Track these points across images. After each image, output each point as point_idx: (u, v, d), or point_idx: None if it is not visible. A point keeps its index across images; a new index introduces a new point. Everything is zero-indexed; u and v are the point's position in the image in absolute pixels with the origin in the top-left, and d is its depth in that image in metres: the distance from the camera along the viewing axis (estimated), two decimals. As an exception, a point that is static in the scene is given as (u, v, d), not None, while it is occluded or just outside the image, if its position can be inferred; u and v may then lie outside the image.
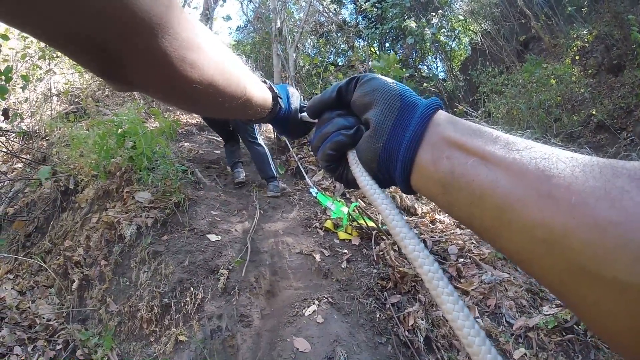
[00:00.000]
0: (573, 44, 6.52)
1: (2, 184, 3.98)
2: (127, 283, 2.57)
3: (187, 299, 2.33)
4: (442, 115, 0.40)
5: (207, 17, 7.58)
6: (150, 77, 0.39)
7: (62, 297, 2.83)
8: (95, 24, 0.31)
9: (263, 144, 3.57)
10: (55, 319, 2.72)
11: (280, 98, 0.64)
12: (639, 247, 0.23)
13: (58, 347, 2.55)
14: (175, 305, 2.34)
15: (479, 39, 8.45)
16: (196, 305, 2.30)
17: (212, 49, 0.44)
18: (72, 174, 3.35)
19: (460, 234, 2.97)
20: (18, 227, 3.43)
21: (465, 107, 7.03)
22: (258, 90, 0.57)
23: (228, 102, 0.49)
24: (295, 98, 0.67)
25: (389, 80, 0.44)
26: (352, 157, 0.46)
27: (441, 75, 10.25)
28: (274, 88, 0.63)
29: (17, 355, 2.48)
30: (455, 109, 7.23)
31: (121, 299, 2.52)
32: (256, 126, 3.55)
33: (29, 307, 2.82)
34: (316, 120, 0.54)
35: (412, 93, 0.43)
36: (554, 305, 2.31)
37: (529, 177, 0.29)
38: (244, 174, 3.65)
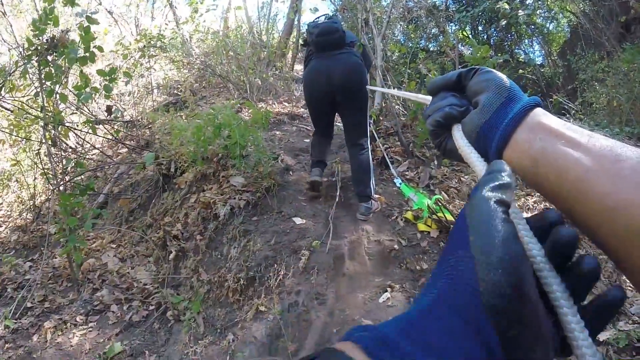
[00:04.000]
0: (678, 25, 6.04)
1: (109, 166, 4.76)
2: (219, 256, 3.09)
3: (270, 274, 2.77)
4: (540, 110, 0.49)
5: (295, 9, 7.98)
6: None
7: (159, 266, 3.40)
8: None
9: (369, 149, 3.34)
10: (150, 284, 3.26)
11: None
12: None
13: (151, 307, 3.07)
14: (259, 278, 2.80)
15: (577, 21, 8.05)
16: (278, 280, 2.73)
17: None
18: (173, 159, 3.96)
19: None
20: (122, 204, 4.11)
21: (562, 97, 6.72)
22: None
23: None
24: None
25: (504, 76, 0.54)
26: (457, 129, 0.56)
27: (539, 60, 9.86)
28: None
29: (113, 312, 3.03)
30: (551, 99, 7.01)
31: (212, 269, 3.04)
32: (368, 123, 3.42)
33: (128, 273, 3.40)
34: (430, 98, 0.64)
35: (519, 89, 0.52)
36: (630, 322, 2.34)
37: (604, 159, 0.39)
38: (322, 175, 3.43)
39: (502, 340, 0.29)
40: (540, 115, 0.48)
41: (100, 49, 3.41)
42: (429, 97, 0.64)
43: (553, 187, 0.44)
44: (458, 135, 0.55)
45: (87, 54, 3.25)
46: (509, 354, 0.30)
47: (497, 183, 0.36)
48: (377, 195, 3.39)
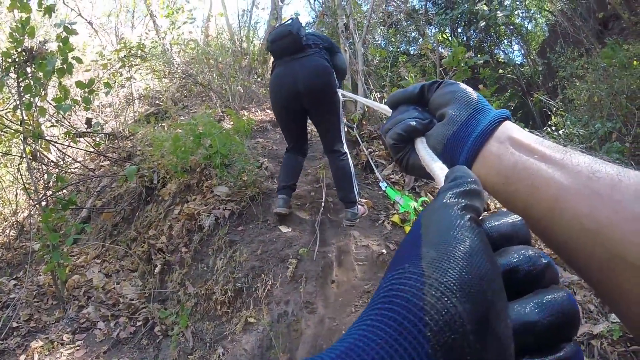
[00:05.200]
0: (655, 21, 6.17)
1: (91, 180, 4.67)
2: (205, 268, 3.03)
3: (258, 285, 2.73)
4: (510, 123, 0.47)
5: (275, 16, 7.97)
6: None
7: (145, 280, 3.34)
8: None
9: (348, 154, 3.20)
10: (137, 299, 3.21)
11: None
12: None
13: (138, 323, 3.02)
14: (247, 290, 2.75)
15: (555, 19, 8.19)
16: (266, 290, 2.69)
17: None
18: (156, 170, 3.90)
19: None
20: (106, 217, 4.03)
21: (542, 94, 6.83)
22: None
23: None
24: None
25: (470, 88, 0.52)
26: (420, 142, 0.52)
27: (518, 60, 10.07)
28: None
29: (100, 329, 2.97)
30: (532, 98, 7.07)
31: (198, 282, 2.98)
32: (342, 128, 3.22)
33: (113, 288, 3.34)
34: (391, 110, 0.60)
35: (487, 102, 0.50)
36: (622, 314, 2.39)
37: (581, 176, 0.36)
38: (288, 205, 3.19)
39: None
40: (511, 128, 0.46)
41: (78, 60, 3.34)
42: (389, 110, 0.60)
43: (525, 206, 0.40)
44: (421, 147, 0.51)
45: (65, 66, 3.19)
46: None
47: (462, 189, 0.29)
48: (363, 200, 3.34)
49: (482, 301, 0.22)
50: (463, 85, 0.52)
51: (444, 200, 0.28)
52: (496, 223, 0.31)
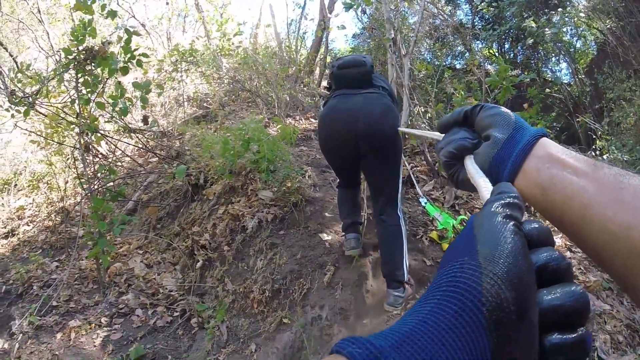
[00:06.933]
0: None
1: (139, 174, 4.90)
2: (245, 267, 3.17)
3: (295, 288, 2.84)
4: (546, 140, 0.52)
5: (322, 27, 8.11)
6: None
7: (186, 274, 3.50)
8: None
9: (403, 219, 2.66)
10: (176, 291, 3.37)
11: None
12: None
13: (175, 314, 3.17)
14: (284, 291, 2.86)
15: (604, 38, 7.96)
16: (302, 294, 2.80)
17: None
18: (203, 170, 4.07)
19: (570, 257, 3.05)
20: (151, 211, 4.22)
21: (588, 117, 6.63)
22: None
23: None
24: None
25: (508, 110, 0.58)
26: (469, 160, 0.59)
27: (565, 79, 9.62)
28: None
29: (138, 316, 3.13)
30: (577, 119, 6.91)
31: (238, 280, 3.12)
32: (401, 187, 2.72)
33: (154, 278, 3.51)
34: (442, 135, 0.67)
35: (525, 122, 0.56)
36: (651, 345, 2.38)
37: (607, 187, 0.42)
38: (360, 244, 2.85)
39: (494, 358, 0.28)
40: (547, 145, 0.52)
41: (145, 55, 3.54)
42: (441, 135, 0.68)
43: (560, 214, 0.47)
44: (469, 163, 0.58)
45: (128, 64, 3.39)
46: None
47: (506, 201, 0.37)
48: (408, 276, 2.69)
49: (522, 290, 0.30)
50: (502, 108, 0.59)
51: (492, 209, 0.36)
52: (533, 226, 0.37)
